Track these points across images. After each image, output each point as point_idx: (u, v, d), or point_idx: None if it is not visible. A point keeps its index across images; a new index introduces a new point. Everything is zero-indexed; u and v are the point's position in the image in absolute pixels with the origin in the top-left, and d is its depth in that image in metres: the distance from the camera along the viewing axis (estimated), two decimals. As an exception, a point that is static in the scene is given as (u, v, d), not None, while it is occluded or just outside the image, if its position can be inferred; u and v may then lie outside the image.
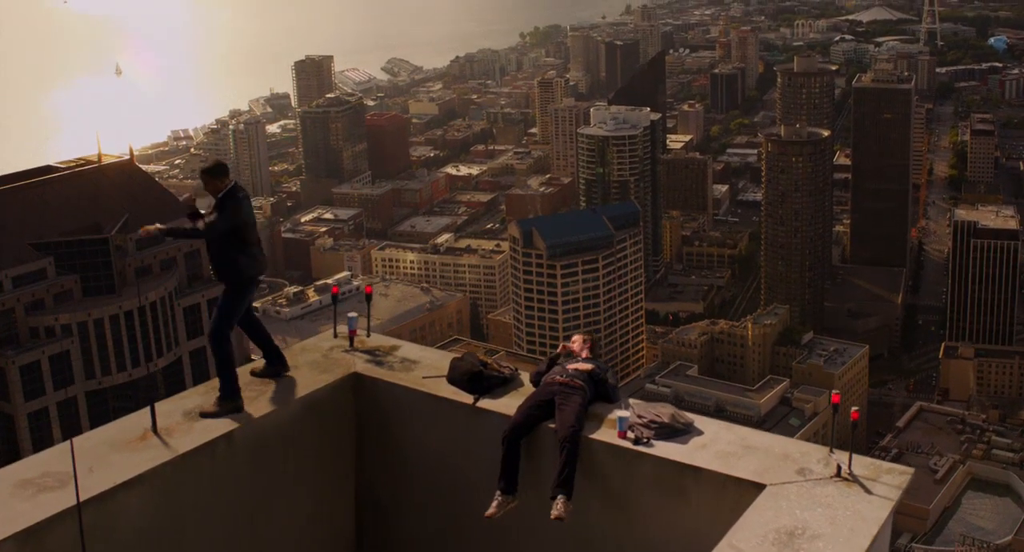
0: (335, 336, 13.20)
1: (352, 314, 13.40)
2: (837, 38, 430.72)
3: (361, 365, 12.43)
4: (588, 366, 11.61)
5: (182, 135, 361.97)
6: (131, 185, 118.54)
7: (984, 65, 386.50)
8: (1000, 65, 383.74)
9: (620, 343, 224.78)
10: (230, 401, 11.65)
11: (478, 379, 11.80)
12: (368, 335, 13.17)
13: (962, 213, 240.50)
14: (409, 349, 12.90)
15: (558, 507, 10.46)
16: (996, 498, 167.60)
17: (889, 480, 9.85)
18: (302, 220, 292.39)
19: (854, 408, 10.29)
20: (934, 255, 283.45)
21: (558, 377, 11.44)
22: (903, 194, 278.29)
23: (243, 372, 12.19)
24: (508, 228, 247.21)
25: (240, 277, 12.37)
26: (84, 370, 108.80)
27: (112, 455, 10.57)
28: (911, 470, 10.00)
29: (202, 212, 12.28)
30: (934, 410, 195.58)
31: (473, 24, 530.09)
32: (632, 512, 10.68)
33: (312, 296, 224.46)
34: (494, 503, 10.82)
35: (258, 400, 11.73)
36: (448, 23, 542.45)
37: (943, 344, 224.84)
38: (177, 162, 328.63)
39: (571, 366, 11.62)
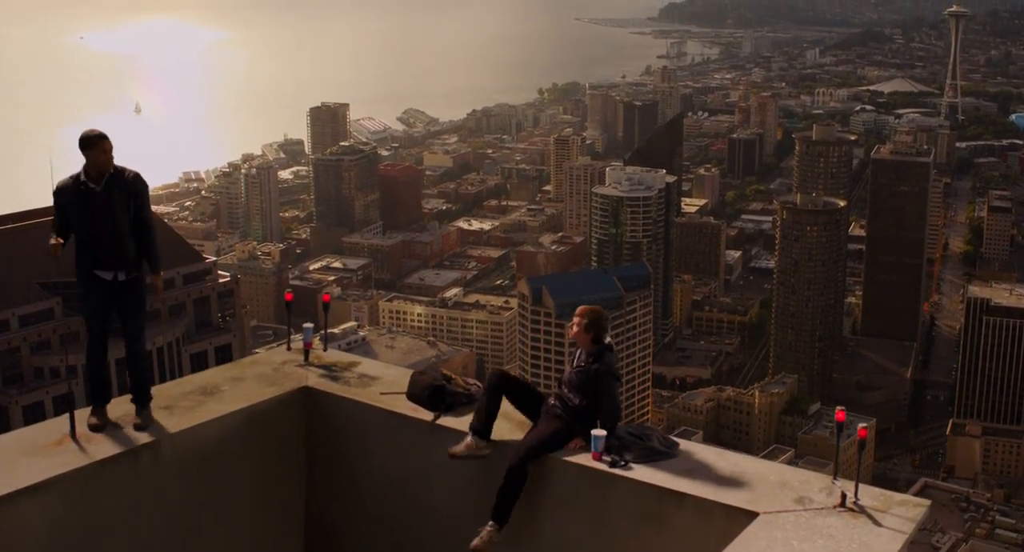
0: (288, 348, 12.29)
1: (308, 325, 12.43)
2: (858, 108, 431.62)
3: (314, 379, 11.79)
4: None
5: (193, 177, 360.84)
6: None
7: (1004, 141, 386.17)
8: (1021, 142, 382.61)
9: (626, 406, 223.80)
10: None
11: (439, 394, 11.02)
12: (325, 349, 12.25)
13: (976, 290, 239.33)
14: (369, 365, 12.21)
15: (481, 536, 9.80)
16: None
17: (902, 512, 8.73)
18: (310, 268, 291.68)
19: (861, 425, 9.10)
20: (946, 331, 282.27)
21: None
22: (917, 268, 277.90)
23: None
24: (518, 285, 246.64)
25: (79, 274, 11.21)
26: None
27: (20, 459, 10.03)
28: (927, 502, 8.86)
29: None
30: (939, 487, 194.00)
31: (491, 78, 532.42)
32: (607, 541, 9.85)
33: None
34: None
35: (193, 410, 11.14)
36: (466, 76, 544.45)
37: (951, 421, 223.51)
38: (187, 204, 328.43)
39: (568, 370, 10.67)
